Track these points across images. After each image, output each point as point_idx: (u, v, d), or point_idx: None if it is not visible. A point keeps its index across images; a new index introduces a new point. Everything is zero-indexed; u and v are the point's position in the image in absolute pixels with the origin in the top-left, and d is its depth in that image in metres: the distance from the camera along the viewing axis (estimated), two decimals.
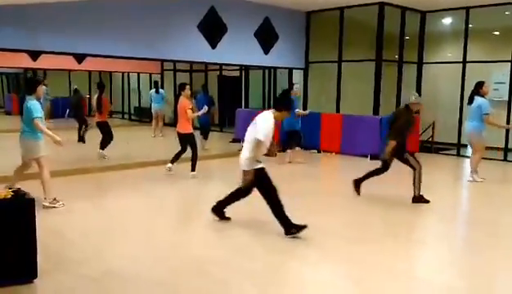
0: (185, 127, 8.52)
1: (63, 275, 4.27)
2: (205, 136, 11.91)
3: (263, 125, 5.27)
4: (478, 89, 8.50)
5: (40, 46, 8.63)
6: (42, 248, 4.18)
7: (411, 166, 6.94)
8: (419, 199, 6.95)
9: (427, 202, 6.94)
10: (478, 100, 8.42)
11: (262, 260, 4.81)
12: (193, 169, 8.61)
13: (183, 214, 6.88)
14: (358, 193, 7.25)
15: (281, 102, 5.57)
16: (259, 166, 5.35)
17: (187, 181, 8.44)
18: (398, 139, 6.80)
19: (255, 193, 5.48)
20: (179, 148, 8.73)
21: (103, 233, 5.66)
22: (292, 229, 5.25)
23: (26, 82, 6.26)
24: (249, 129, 5.50)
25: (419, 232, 6.05)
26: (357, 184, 7.28)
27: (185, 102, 8.51)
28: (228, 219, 5.84)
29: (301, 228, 5.24)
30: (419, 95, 10.19)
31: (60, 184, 8.05)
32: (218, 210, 5.82)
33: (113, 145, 10.18)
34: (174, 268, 4.53)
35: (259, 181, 5.35)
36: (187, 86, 8.67)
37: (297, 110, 10.10)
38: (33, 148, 6.21)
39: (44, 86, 19.86)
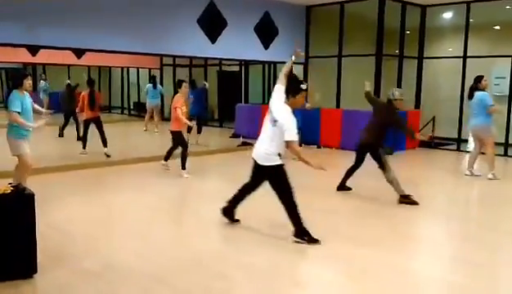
0: (173, 125, 8.45)
1: (63, 270, 4.27)
2: (198, 130, 11.94)
3: (290, 123, 4.67)
4: (477, 83, 8.52)
5: (39, 41, 8.59)
6: (42, 243, 4.17)
7: (382, 166, 6.63)
8: (405, 198, 6.59)
9: (415, 203, 6.57)
10: (478, 94, 8.42)
11: (260, 254, 4.79)
12: (183, 167, 8.39)
13: (181, 209, 6.87)
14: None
15: (288, 88, 4.88)
16: (280, 162, 4.88)
17: (185, 177, 8.42)
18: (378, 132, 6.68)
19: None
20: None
21: (102, 228, 5.66)
22: (304, 236, 4.93)
23: (12, 77, 6.13)
24: (267, 119, 4.99)
25: (418, 228, 6.04)
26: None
27: (176, 99, 8.44)
28: (237, 221, 5.48)
29: (313, 240, 4.91)
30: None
31: (58, 179, 8.07)
32: (228, 211, 5.45)
33: (112, 140, 10.14)
34: (173, 262, 4.53)
35: (277, 178, 4.90)
36: (184, 84, 8.56)
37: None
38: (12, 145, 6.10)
39: (43, 81, 19.79)
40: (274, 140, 4.84)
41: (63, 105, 12.70)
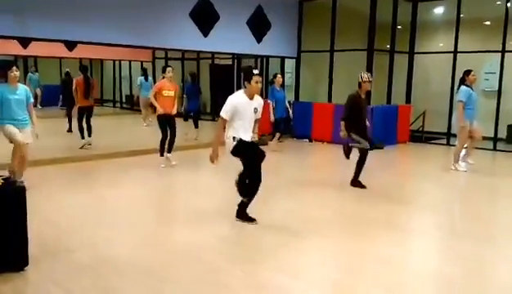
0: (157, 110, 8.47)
1: (56, 263, 4.28)
2: (195, 125, 11.91)
3: (226, 102, 5.25)
4: (465, 77, 8.55)
5: (30, 33, 8.53)
6: (34, 236, 4.18)
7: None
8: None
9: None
10: (460, 88, 8.49)
11: (254, 248, 4.84)
12: (169, 151, 8.58)
13: (174, 202, 6.89)
14: (364, 187, 7.17)
15: (243, 77, 5.40)
16: (233, 143, 5.28)
17: (179, 170, 8.45)
18: (345, 119, 7.19)
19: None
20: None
21: (96, 221, 5.65)
22: (243, 217, 5.42)
23: None
24: None
25: (408, 221, 6.10)
26: (356, 182, 7.23)
27: (156, 83, 8.54)
28: (254, 220, 5.43)
29: (250, 219, 5.39)
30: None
31: (51, 173, 8.06)
32: (242, 214, 5.48)
33: (105, 133, 10.10)
34: (167, 255, 4.56)
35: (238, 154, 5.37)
36: (168, 69, 8.55)
37: None
38: None
39: (30, 73, 19.44)
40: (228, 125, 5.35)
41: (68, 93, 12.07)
